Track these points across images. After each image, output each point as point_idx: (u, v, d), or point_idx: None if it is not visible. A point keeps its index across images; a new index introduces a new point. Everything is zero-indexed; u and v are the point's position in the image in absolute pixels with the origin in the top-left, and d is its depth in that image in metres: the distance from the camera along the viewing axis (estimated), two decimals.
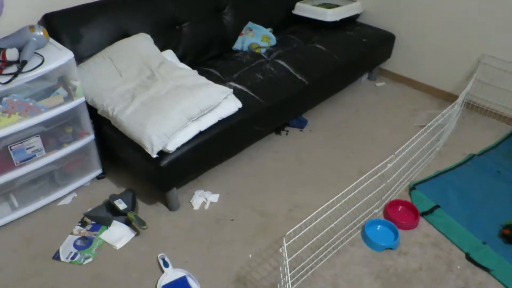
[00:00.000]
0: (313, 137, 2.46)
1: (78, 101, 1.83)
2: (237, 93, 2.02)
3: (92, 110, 1.90)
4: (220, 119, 1.87)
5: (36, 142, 1.77)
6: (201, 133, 1.81)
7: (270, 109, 2.11)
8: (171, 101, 1.74)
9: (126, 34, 2.14)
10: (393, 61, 2.98)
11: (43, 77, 1.69)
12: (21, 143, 1.72)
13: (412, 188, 2.06)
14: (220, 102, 1.85)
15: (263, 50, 2.48)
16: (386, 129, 2.52)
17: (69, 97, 1.80)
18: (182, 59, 2.29)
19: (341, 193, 1.54)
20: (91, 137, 1.97)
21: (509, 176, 2.13)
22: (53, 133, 1.84)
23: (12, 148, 1.70)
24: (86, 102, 1.87)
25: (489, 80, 2.55)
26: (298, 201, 2.01)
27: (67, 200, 2.00)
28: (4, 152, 1.70)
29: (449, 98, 2.78)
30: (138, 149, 1.72)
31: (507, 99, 2.53)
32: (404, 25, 2.80)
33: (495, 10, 2.36)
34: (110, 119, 1.81)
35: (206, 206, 1.97)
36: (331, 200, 1.53)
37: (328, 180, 2.14)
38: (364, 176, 1.63)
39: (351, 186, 1.54)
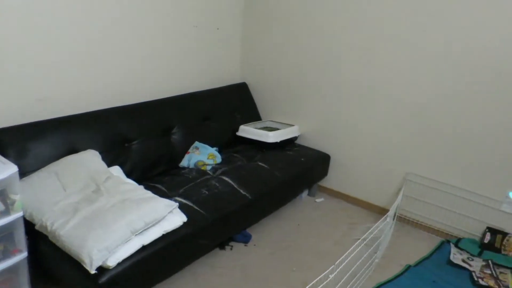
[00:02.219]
0: (258, 251, 2.48)
1: (15, 216, 1.77)
2: (183, 207, 2.06)
3: (28, 226, 1.84)
4: (164, 232, 1.87)
5: None
6: (144, 248, 1.79)
7: (215, 223, 2.14)
8: (116, 214, 1.75)
9: (74, 150, 2.19)
10: (330, 178, 3.22)
11: None
12: None
13: None
14: (165, 216, 1.88)
15: (208, 167, 2.60)
16: (327, 243, 2.61)
17: (5, 212, 1.75)
18: (129, 174, 2.34)
19: None
20: (23, 254, 1.86)
21: (444, 286, 2.23)
22: None
23: None
24: (23, 217, 1.81)
25: (416, 196, 2.81)
26: None
27: None
28: None
29: (383, 212, 2.97)
30: (76, 265, 1.65)
31: (433, 213, 2.77)
32: (337, 147, 3.11)
33: (416, 133, 2.72)
34: (48, 234, 1.75)
35: None
36: None
37: None
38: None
39: None
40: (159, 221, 1.85)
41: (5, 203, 1.75)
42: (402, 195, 2.63)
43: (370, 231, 2.04)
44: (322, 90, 3.08)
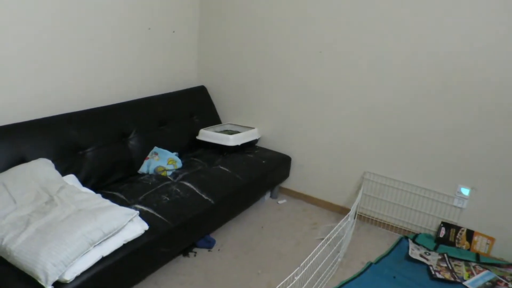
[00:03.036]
0: (222, 256, 2.45)
1: None
2: (143, 215, 2.00)
3: None
4: (125, 242, 1.80)
5: None
6: (103, 259, 1.71)
7: (177, 230, 2.09)
8: (71, 225, 1.66)
9: (24, 159, 2.07)
10: (291, 179, 3.24)
11: None
12: None
13: None
14: (125, 225, 1.81)
15: (169, 173, 2.54)
16: (290, 244, 2.62)
17: None
18: (85, 183, 2.24)
19: None
20: None
21: (404, 281, 2.30)
22: None
23: None
24: None
25: (374, 194, 2.89)
26: None
27: None
28: None
29: (343, 211, 3.04)
30: (31, 282, 1.54)
31: (391, 210, 2.86)
32: (297, 148, 3.14)
33: (372, 133, 2.80)
34: None
35: None
36: None
37: None
38: None
39: None
40: (119, 231, 1.78)
41: None
42: (362, 194, 2.70)
43: (333, 231, 2.07)
44: (279, 92, 3.11)
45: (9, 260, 1.59)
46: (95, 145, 2.41)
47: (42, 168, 2.01)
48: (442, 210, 2.70)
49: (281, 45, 3.00)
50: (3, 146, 2.02)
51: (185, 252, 2.42)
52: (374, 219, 2.94)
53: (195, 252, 2.46)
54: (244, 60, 3.21)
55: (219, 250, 2.51)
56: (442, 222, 2.70)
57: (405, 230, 2.84)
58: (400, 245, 2.70)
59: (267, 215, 2.98)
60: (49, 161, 2.10)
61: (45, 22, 2.24)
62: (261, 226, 2.82)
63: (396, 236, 2.82)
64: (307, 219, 2.97)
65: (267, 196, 3.21)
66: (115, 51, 2.69)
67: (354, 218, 2.73)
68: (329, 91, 2.88)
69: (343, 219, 2.18)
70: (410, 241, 2.72)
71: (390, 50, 2.59)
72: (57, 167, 2.12)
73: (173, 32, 3.10)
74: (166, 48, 3.09)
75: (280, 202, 3.18)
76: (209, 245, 2.51)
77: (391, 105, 2.68)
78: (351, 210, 2.33)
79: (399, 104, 2.65)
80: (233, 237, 2.66)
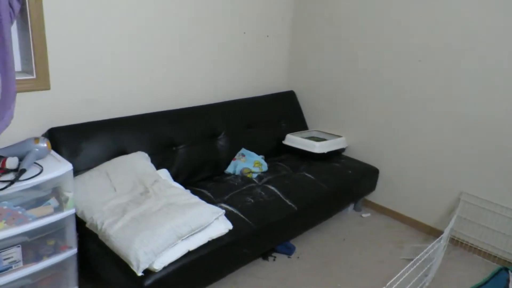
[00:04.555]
0: (301, 264, 2.41)
1: (67, 212, 1.81)
2: (228, 215, 2.04)
3: (78, 223, 1.87)
4: (210, 239, 1.85)
5: (15, 253, 1.69)
6: (189, 253, 1.77)
7: (260, 232, 2.10)
8: (162, 218, 1.74)
9: (124, 151, 2.22)
10: (377, 193, 3.09)
11: (37, 187, 1.70)
12: None
13: None
14: (211, 223, 1.85)
15: (254, 175, 2.57)
16: (373, 260, 2.50)
17: (59, 208, 1.79)
18: (175, 178, 2.35)
19: None
20: (73, 251, 1.89)
21: None
22: (34, 244, 1.77)
23: None
24: (75, 215, 1.85)
25: (470, 217, 2.64)
26: None
27: None
28: None
29: (432, 232, 2.83)
30: (122, 266, 1.65)
31: (489, 237, 2.59)
32: (387, 161, 2.99)
33: (472, 150, 2.56)
34: (98, 233, 1.77)
35: None
36: None
37: None
38: None
39: None
40: (204, 228, 1.83)
41: (59, 200, 1.79)
42: (457, 216, 2.48)
43: (423, 252, 1.93)
44: (370, 101, 2.98)
45: (107, 243, 1.72)
46: (187, 142, 2.52)
47: (140, 161, 2.14)
48: None
49: (376, 52, 2.88)
50: (108, 137, 2.20)
51: (265, 256, 2.43)
52: (468, 244, 2.69)
53: (275, 257, 2.45)
54: (335, 66, 3.14)
55: (298, 257, 2.48)
56: None
57: (505, 261, 2.55)
58: (498, 277, 2.43)
59: (350, 227, 2.87)
60: (146, 155, 2.24)
61: (154, 28, 2.40)
62: (343, 238, 2.73)
63: (493, 266, 2.54)
64: (392, 236, 2.80)
65: (350, 207, 3.09)
66: (211, 54, 2.80)
67: (447, 241, 2.52)
68: (425, 102, 2.70)
69: (435, 241, 2.02)
70: (510, 273, 2.44)
71: (497, 58, 2.35)
72: (152, 161, 2.25)
73: (267, 36, 3.13)
74: (259, 52, 3.14)
75: (364, 215, 3.05)
76: (289, 251, 2.48)
77: (496, 119, 2.43)
78: (445, 232, 2.14)
79: (506, 119, 2.39)
80: (313, 246, 2.60)
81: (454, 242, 2.74)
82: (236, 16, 2.85)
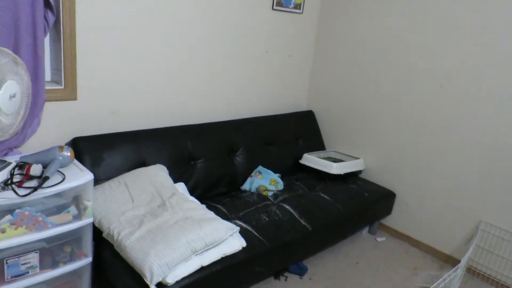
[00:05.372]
0: (312, 286, 2.38)
1: (86, 221, 1.84)
2: (242, 232, 2.04)
3: (95, 232, 1.90)
4: (223, 255, 1.86)
5: (33, 258, 1.73)
6: (202, 268, 1.78)
7: (273, 251, 2.09)
8: (178, 231, 1.76)
9: (144, 163, 2.26)
10: (393, 217, 3.05)
11: (59, 194, 1.74)
12: (18, 257, 1.68)
13: None
14: (226, 239, 1.86)
15: (270, 193, 2.58)
16: (387, 286, 2.45)
17: (78, 216, 1.82)
18: (192, 192, 2.37)
19: None
20: (88, 259, 1.92)
21: None
22: (52, 250, 1.81)
23: (8, 261, 1.66)
24: (92, 223, 1.88)
25: (489, 247, 2.58)
26: None
27: None
28: None
29: (449, 260, 2.77)
30: (136, 277, 1.67)
31: (508, 268, 2.52)
32: (404, 185, 2.96)
33: (494, 177, 2.52)
34: (114, 243, 1.79)
35: None
36: None
37: None
38: None
39: None
40: (219, 243, 1.84)
41: (78, 208, 1.83)
42: (475, 245, 2.43)
43: (440, 280, 1.89)
44: (391, 123, 2.98)
45: (122, 254, 1.74)
46: (206, 157, 2.55)
47: (159, 174, 2.17)
48: None
49: (397, 76, 2.88)
50: (129, 149, 2.24)
51: (277, 275, 2.41)
52: (486, 275, 2.62)
53: (286, 277, 2.43)
54: (356, 87, 3.15)
55: (310, 278, 2.45)
56: None
57: None
58: None
59: (364, 251, 2.83)
60: (165, 168, 2.27)
61: (176, 44, 2.46)
62: (356, 261, 2.69)
63: None
64: (407, 262, 2.75)
65: (364, 230, 3.06)
66: (234, 73, 2.85)
67: (463, 270, 2.47)
68: (447, 127, 2.68)
69: (452, 270, 1.98)
70: None
71: None
72: (170, 174, 2.28)
73: (289, 56, 3.17)
74: (280, 71, 3.18)
75: (378, 239, 3.01)
76: (301, 272, 2.46)
77: None
78: (462, 261, 2.10)
79: None
80: (326, 267, 2.58)
81: (471, 271, 2.67)
82: (260, 35, 2.90)
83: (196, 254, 1.75)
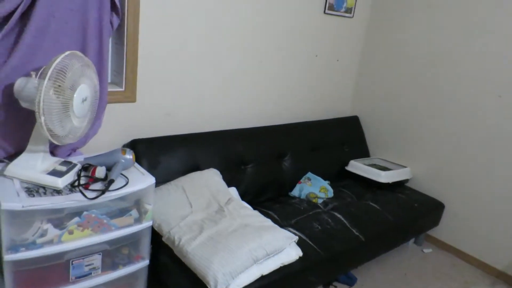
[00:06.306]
0: None
1: (145, 224, 1.84)
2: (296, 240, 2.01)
3: (152, 236, 1.90)
4: (282, 265, 1.83)
5: (96, 260, 1.74)
6: (262, 277, 1.76)
7: (327, 261, 2.06)
8: (239, 239, 1.74)
9: (197, 167, 2.26)
10: (441, 228, 2.97)
11: (123, 198, 1.75)
12: (82, 258, 1.70)
13: None
14: (285, 248, 1.84)
15: (319, 200, 2.54)
16: None
17: (138, 219, 1.83)
18: (242, 196, 2.35)
19: None
20: (145, 262, 1.92)
21: None
22: (112, 252, 1.82)
23: (73, 262, 1.67)
24: (151, 227, 1.88)
25: None
26: None
27: None
28: (64, 265, 1.66)
29: (501, 276, 2.68)
30: (196, 283, 1.66)
31: None
32: (453, 195, 2.87)
33: None
34: (174, 248, 1.79)
35: None
36: None
37: None
38: None
39: None
40: (278, 253, 1.82)
41: (139, 212, 1.83)
42: None
43: None
44: (440, 131, 2.89)
45: (183, 260, 1.74)
46: (256, 161, 2.53)
47: (214, 178, 2.17)
48: None
49: (449, 81, 2.80)
50: (183, 152, 2.25)
51: (327, 285, 2.38)
52: None
53: (335, 286, 2.39)
54: (402, 94, 3.08)
55: None
56: None
57: None
58: None
59: (411, 262, 2.77)
60: (218, 172, 2.27)
61: (229, 49, 2.45)
62: (404, 273, 2.63)
63: None
64: (457, 276, 2.68)
65: (411, 241, 2.99)
66: (283, 77, 2.82)
67: None
68: (501, 139, 2.59)
69: None
70: None
71: None
72: (223, 178, 2.27)
73: (337, 60, 3.12)
74: (328, 75, 3.13)
75: (425, 250, 2.93)
76: (351, 282, 2.42)
77: None
78: None
79: None
80: (374, 278, 2.53)
81: None
82: (310, 39, 2.86)
83: (256, 263, 1.74)
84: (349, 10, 2.99)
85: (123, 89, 2.06)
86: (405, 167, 3.03)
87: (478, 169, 2.73)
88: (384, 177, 2.82)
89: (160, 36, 2.11)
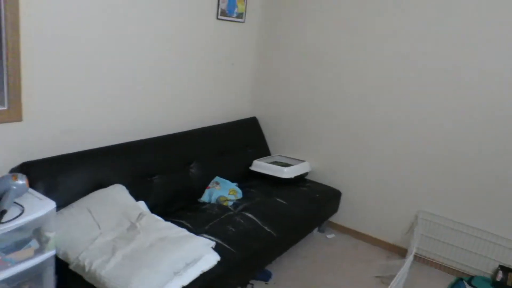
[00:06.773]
0: None
1: (48, 254, 1.68)
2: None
3: (58, 266, 1.74)
4: (202, 272, 1.82)
5: None
6: None
7: (246, 261, 2.10)
8: (159, 253, 1.69)
9: (101, 184, 2.12)
10: (340, 214, 3.23)
11: (19, 228, 1.57)
12: None
13: None
14: (204, 255, 1.83)
15: (230, 203, 2.57)
16: (347, 281, 2.60)
17: (40, 250, 1.66)
18: (152, 209, 2.27)
19: None
20: None
21: None
22: None
23: None
24: (55, 256, 1.72)
25: (428, 233, 2.87)
26: None
27: None
28: None
29: (395, 249, 3.01)
30: None
31: (445, 251, 2.83)
32: (348, 183, 3.15)
33: (426, 171, 2.80)
34: (85, 274, 1.66)
35: None
36: None
37: None
38: None
39: None
40: (197, 261, 1.81)
41: (40, 241, 1.66)
42: (419, 233, 2.67)
43: (402, 269, 2.06)
44: (332, 125, 3.15)
45: (97, 286, 1.62)
46: (162, 171, 2.47)
47: (120, 194, 2.06)
48: (500, 253, 2.65)
49: (337, 78, 3.07)
50: (84, 170, 2.10)
51: (244, 284, 2.42)
52: (426, 259, 2.90)
53: (252, 284, 2.45)
54: (295, 93, 3.28)
55: (275, 283, 2.50)
56: (500, 266, 2.65)
57: (460, 272, 2.79)
58: (456, 287, 2.65)
59: (317, 249, 2.96)
60: (124, 187, 2.16)
61: (122, 56, 2.35)
62: (313, 260, 2.81)
63: (450, 278, 2.77)
64: (360, 255, 2.94)
65: (315, 230, 3.20)
66: (180, 83, 2.78)
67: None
68: (386, 125, 2.92)
69: (408, 259, 2.17)
70: (465, 283, 2.67)
71: (452, 87, 2.64)
72: (129, 193, 2.17)
73: (232, 64, 3.19)
74: (224, 79, 3.18)
75: (329, 236, 3.16)
76: (266, 278, 2.50)
77: (450, 140, 2.70)
78: (413, 249, 2.31)
79: (462, 144, 2.67)
80: (286, 270, 2.65)
81: (416, 257, 2.93)
82: (204, 45, 2.87)
83: (176, 275, 1.70)
84: (240, 15, 3.08)
85: (5, 108, 1.84)
86: (304, 161, 3.22)
87: (364, 156, 3.04)
88: (286, 173, 2.97)
89: (46, 48, 1.93)
